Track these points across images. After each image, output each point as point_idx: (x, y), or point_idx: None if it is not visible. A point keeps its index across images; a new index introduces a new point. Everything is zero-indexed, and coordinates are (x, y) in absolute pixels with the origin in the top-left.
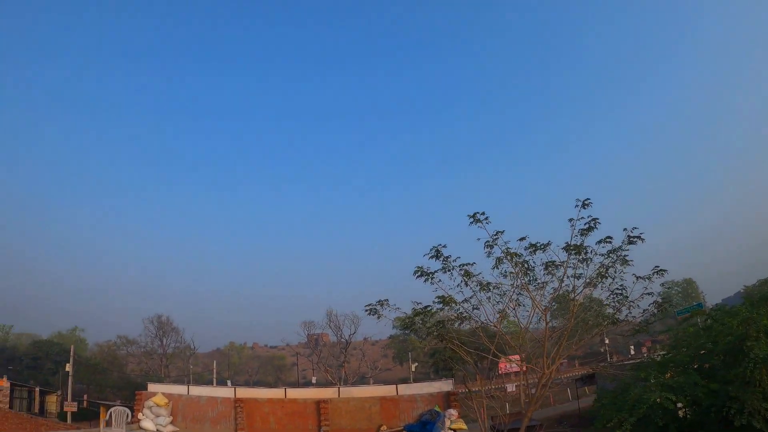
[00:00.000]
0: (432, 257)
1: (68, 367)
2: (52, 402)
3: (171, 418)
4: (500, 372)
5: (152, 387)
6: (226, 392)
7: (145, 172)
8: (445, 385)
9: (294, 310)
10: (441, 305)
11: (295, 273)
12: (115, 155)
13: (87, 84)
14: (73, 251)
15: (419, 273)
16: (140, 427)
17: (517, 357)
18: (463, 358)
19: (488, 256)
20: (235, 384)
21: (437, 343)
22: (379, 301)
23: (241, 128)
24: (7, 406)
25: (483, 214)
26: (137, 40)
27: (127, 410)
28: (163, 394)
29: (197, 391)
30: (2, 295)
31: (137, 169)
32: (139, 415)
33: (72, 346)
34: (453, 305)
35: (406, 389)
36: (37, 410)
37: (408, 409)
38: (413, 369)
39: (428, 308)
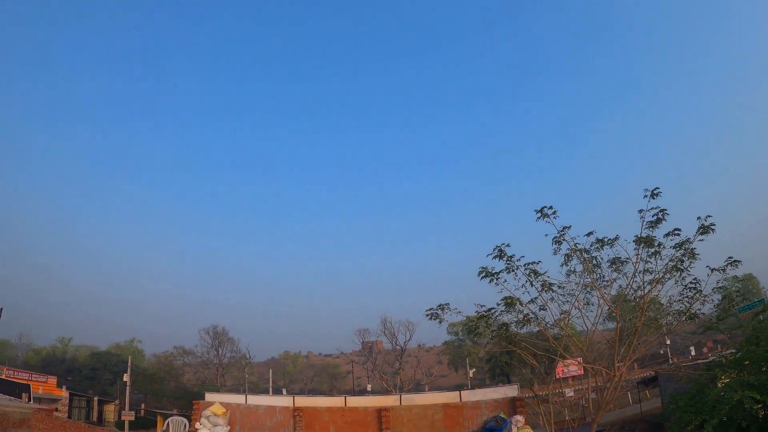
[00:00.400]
0: (495, 257)
1: (126, 377)
2: (110, 411)
3: (228, 427)
4: (557, 376)
5: (210, 396)
6: (284, 401)
7: (195, 183)
8: (510, 391)
9: (348, 318)
10: (506, 307)
11: (350, 280)
12: (164, 170)
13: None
14: (130, 266)
15: (483, 273)
16: None
17: (575, 360)
18: (528, 362)
19: (555, 254)
20: (290, 393)
21: (504, 346)
22: (439, 306)
23: (297, 135)
24: (66, 415)
25: (550, 208)
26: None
27: (185, 420)
28: (221, 403)
29: (255, 400)
30: (62, 310)
31: (187, 182)
32: (197, 425)
33: (129, 357)
34: (519, 307)
35: (469, 395)
36: (95, 419)
37: (472, 416)
38: (471, 375)
39: (492, 311)
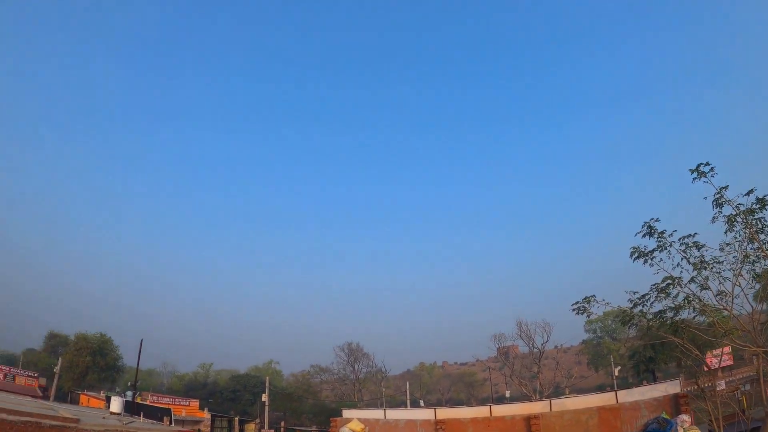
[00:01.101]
0: (644, 235)
1: (264, 397)
2: (250, 430)
3: None
4: (706, 368)
5: (347, 413)
6: (425, 414)
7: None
8: (671, 387)
9: (483, 325)
10: (660, 292)
11: (482, 286)
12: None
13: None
14: (266, 293)
15: (636, 254)
16: None
17: (747, 346)
18: (690, 352)
19: (714, 221)
20: (427, 404)
21: (656, 337)
22: (585, 298)
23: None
24: None
25: (707, 164)
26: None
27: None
28: (359, 419)
29: (394, 414)
30: (202, 338)
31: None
32: None
33: (267, 377)
34: (678, 288)
35: (626, 395)
36: None
37: (631, 419)
38: (616, 373)
39: (646, 297)
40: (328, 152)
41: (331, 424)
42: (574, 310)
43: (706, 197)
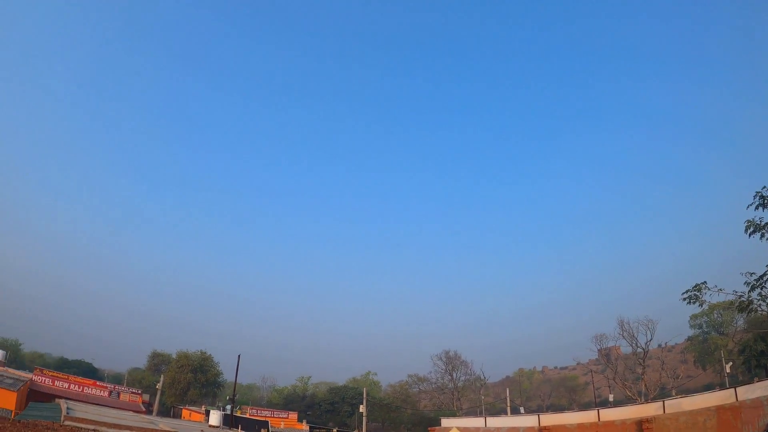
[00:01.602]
0: (758, 206)
1: (362, 408)
2: None
3: None
4: None
5: (446, 422)
6: (528, 420)
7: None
8: None
9: (582, 326)
10: None
11: (584, 286)
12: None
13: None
14: (361, 304)
15: (752, 228)
16: None
17: None
18: None
19: None
20: (528, 410)
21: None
22: (696, 286)
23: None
24: None
25: None
26: None
27: None
28: (458, 428)
29: (495, 422)
30: (301, 353)
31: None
32: None
33: (365, 389)
34: None
35: (747, 392)
36: None
37: (753, 419)
38: (728, 370)
39: (766, 277)
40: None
41: None
42: (684, 299)
43: None
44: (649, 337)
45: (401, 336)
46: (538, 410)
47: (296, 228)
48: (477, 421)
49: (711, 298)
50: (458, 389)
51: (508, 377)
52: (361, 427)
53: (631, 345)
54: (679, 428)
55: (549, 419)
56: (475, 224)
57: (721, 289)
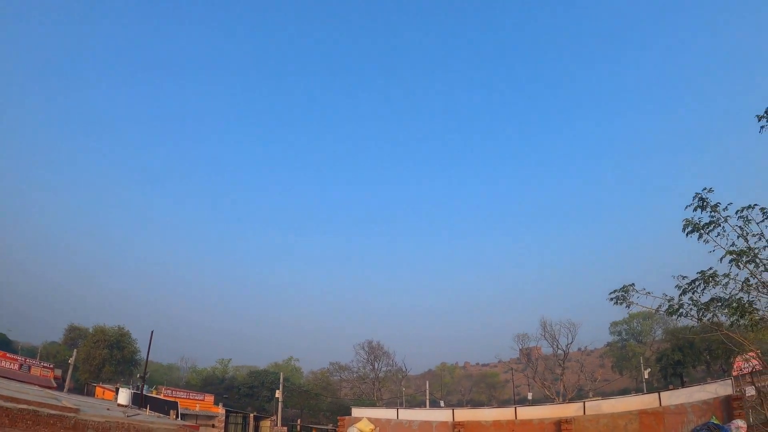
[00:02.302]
0: (696, 208)
1: (278, 393)
2: (266, 427)
3: None
4: (735, 373)
5: (357, 411)
6: (442, 415)
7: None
8: (722, 388)
9: (506, 325)
10: (735, 260)
11: (506, 285)
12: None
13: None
14: (286, 288)
15: (690, 227)
16: None
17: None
18: (745, 348)
19: None
20: (448, 405)
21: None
22: (623, 287)
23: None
24: (223, 431)
25: None
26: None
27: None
28: (369, 419)
29: (408, 414)
30: (224, 335)
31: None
32: None
33: (281, 374)
34: (748, 260)
35: (671, 397)
36: None
37: (676, 424)
38: (646, 376)
39: (696, 283)
40: (349, 154)
41: (339, 423)
42: (611, 299)
43: None
44: (570, 340)
45: (326, 323)
46: (458, 405)
47: (227, 211)
48: (389, 413)
49: (639, 300)
50: (379, 380)
51: (430, 371)
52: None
53: (552, 346)
54: (599, 430)
55: (464, 415)
56: (402, 220)
57: (649, 293)
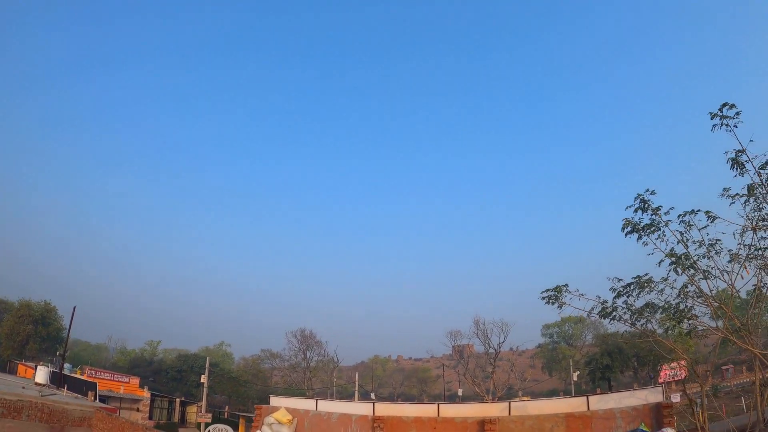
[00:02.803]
0: (637, 209)
1: (203, 378)
2: (192, 412)
3: None
4: (660, 380)
5: (275, 401)
6: (362, 408)
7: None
8: (652, 395)
9: (440, 321)
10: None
11: (441, 281)
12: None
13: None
14: (221, 273)
15: (629, 228)
16: None
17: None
18: (674, 355)
19: (725, 195)
20: (379, 397)
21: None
22: (556, 287)
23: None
24: (147, 415)
25: (732, 107)
26: None
27: (229, 429)
28: (287, 409)
29: (328, 406)
30: (153, 315)
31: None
32: None
33: (207, 358)
34: (685, 265)
35: (600, 402)
36: (177, 420)
37: (604, 430)
38: (575, 378)
39: (645, 278)
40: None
41: (256, 412)
42: (543, 298)
43: (726, 152)
44: (502, 339)
45: (261, 310)
46: (389, 398)
47: (164, 187)
48: (308, 403)
49: (572, 302)
50: (310, 369)
51: (363, 362)
52: (209, 397)
53: (484, 344)
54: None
55: (385, 409)
56: (338, 211)
57: (582, 294)
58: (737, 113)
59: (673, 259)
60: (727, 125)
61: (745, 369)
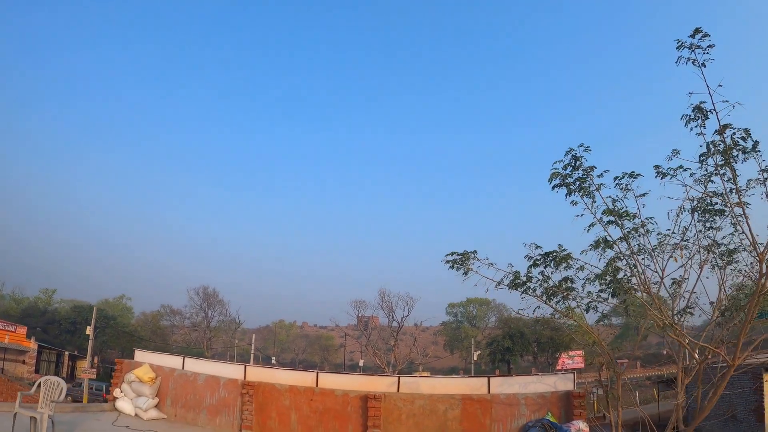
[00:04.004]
0: (567, 166)
1: (89, 330)
2: (82, 367)
3: (156, 399)
4: (558, 368)
5: (140, 355)
6: (232, 371)
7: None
8: (562, 382)
9: (347, 291)
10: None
11: (347, 249)
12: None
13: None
14: (122, 224)
15: (557, 180)
16: (115, 408)
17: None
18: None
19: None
20: (281, 363)
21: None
22: (464, 252)
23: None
24: (34, 368)
25: (706, 36)
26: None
27: (62, 382)
28: (152, 366)
29: (195, 366)
30: (50, 262)
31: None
32: (116, 392)
33: (95, 308)
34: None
35: (503, 385)
36: (66, 374)
37: (504, 417)
38: (475, 357)
39: (564, 253)
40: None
41: (117, 367)
42: (448, 263)
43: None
44: (406, 313)
45: (164, 262)
46: (291, 364)
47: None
48: (175, 361)
49: (481, 270)
50: (211, 329)
51: (267, 326)
52: (98, 354)
53: (388, 317)
54: (413, 413)
55: (258, 374)
56: (248, 171)
57: (492, 263)
58: (709, 46)
59: (614, 216)
60: (694, 60)
61: (639, 365)
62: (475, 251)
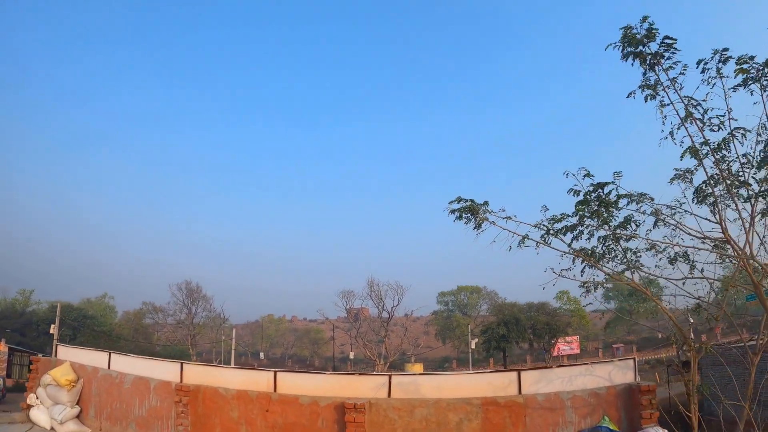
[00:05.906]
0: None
1: (53, 329)
2: None
3: (77, 408)
4: (554, 354)
5: (63, 352)
6: (166, 371)
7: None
8: (620, 372)
9: (335, 284)
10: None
11: (334, 239)
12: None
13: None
14: (105, 223)
15: (630, 48)
16: (29, 419)
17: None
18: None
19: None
20: (270, 358)
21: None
22: (471, 202)
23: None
24: (5, 373)
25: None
26: None
27: None
28: (74, 366)
29: (123, 365)
30: (29, 263)
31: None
32: (30, 399)
33: (59, 305)
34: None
35: (540, 381)
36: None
37: (545, 427)
38: (473, 346)
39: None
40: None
41: (32, 364)
42: (456, 212)
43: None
44: (396, 302)
45: (147, 259)
46: (281, 360)
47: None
48: (99, 358)
49: (498, 222)
50: (196, 326)
51: (256, 322)
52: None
53: (378, 307)
54: (413, 428)
55: (198, 374)
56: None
57: (509, 217)
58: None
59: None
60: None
61: (635, 349)
62: (486, 202)
